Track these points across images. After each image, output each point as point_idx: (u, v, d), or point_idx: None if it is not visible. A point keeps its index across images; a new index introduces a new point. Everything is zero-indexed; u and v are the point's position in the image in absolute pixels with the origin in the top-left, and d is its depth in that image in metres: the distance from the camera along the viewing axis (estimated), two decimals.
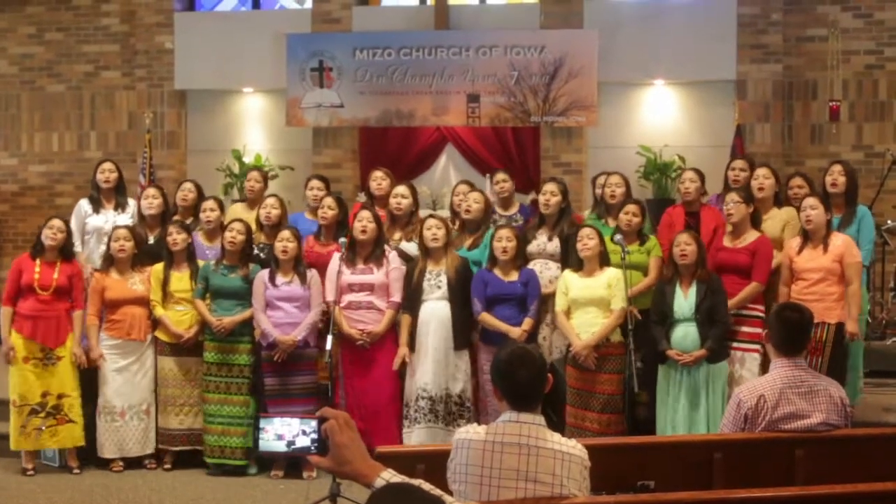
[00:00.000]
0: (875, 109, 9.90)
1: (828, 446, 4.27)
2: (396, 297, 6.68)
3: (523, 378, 3.43)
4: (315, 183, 7.59)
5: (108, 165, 7.71)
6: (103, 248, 7.13)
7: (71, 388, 6.85)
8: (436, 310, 6.57)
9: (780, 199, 6.94)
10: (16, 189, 11.22)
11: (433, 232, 6.60)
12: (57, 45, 11.11)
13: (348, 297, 6.64)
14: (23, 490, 6.54)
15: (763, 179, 6.81)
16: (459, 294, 6.57)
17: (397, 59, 10.01)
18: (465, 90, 9.90)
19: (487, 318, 6.49)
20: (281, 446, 2.65)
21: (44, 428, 6.77)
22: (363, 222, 6.68)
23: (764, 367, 6.10)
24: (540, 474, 3.38)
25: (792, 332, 4.38)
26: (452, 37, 10.02)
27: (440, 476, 3.41)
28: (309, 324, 6.69)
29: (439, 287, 6.59)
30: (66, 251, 6.93)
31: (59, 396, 6.80)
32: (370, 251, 6.69)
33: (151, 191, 7.62)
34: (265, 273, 6.75)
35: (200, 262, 6.99)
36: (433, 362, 6.51)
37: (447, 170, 10.43)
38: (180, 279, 6.94)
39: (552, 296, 6.55)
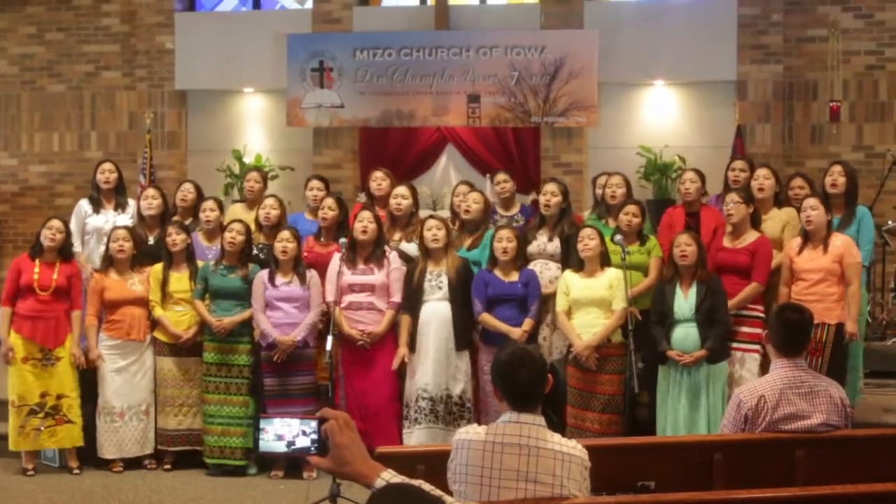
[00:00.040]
0: (875, 110, 9.90)
1: (828, 447, 4.27)
2: (397, 297, 6.68)
3: (523, 379, 3.42)
4: (315, 183, 7.59)
5: (107, 166, 7.71)
6: (103, 248, 7.13)
7: (70, 388, 6.85)
8: (437, 310, 6.57)
9: (781, 200, 6.94)
10: (16, 189, 11.22)
11: (434, 233, 6.59)
12: (57, 45, 11.11)
13: (349, 298, 6.64)
14: (23, 490, 6.54)
15: (763, 180, 6.82)
16: (460, 295, 6.57)
17: (398, 60, 10.01)
18: (465, 90, 9.90)
19: (488, 319, 6.49)
20: (281, 447, 2.66)
21: (42, 428, 6.78)
22: (364, 223, 6.68)
23: (764, 368, 6.10)
24: (540, 475, 3.37)
25: (792, 332, 4.38)
26: (453, 37, 10.02)
27: (440, 476, 3.41)
28: (308, 324, 6.69)
29: (440, 288, 6.59)
30: (64, 252, 6.93)
31: (58, 397, 6.81)
32: (371, 252, 6.69)
33: (151, 191, 7.62)
34: (264, 273, 6.75)
35: (200, 263, 6.99)
36: (434, 363, 6.51)
37: (447, 170, 10.42)
38: (179, 280, 6.94)
39: (552, 296, 6.55)
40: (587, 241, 6.34)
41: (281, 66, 10.20)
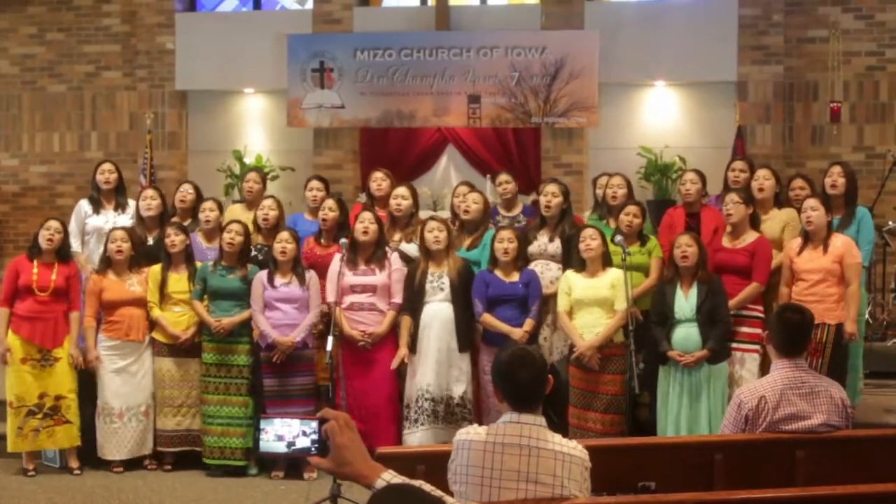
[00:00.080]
0: (876, 111, 9.90)
1: (829, 447, 4.27)
2: (398, 298, 6.68)
3: (524, 379, 3.42)
4: (315, 184, 7.59)
5: (107, 166, 7.70)
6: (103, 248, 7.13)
7: (68, 389, 6.85)
8: (438, 311, 6.57)
9: (781, 200, 6.95)
10: (17, 189, 11.22)
11: (435, 235, 6.59)
12: (58, 45, 11.12)
13: (350, 299, 6.64)
14: (24, 491, 6.54)
15: (763, 180, 6.82)
16: (462, 296, 6.57)
17: (398, 60, 10.01)
18: (465, 91, 9.90)
19: (488, 319, 6.49)
20: (281, 447, 2.65)
21: (41, 429, 6.77)
22: (365, 223, 6.68)
23: (763, 368, 6.11)
24: (541, 475, 3.37)
25: (793, 333, 4.38)
26: (453, 38, 10.02)
27: (441, 477, 3.41)
28: (308, 325, 6.69)
29: (442, 289, 6.59)
30: (63, 252, 6.92)
31: (57, 398, 6.80)
32: (372, 252, 6.69)
33: (150, 192, 7.62)
34: (263, 274, 6.75)
35: (199, 264, 6.99)
36: (435, 363, 6.51)
37: (448, 171, 10.43)
38: (178, 280, 6.94)
39: (553, 297, 6.55)
40: (589, 242, 6.34)
41: (281, 67, 10.21)
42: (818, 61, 9.86)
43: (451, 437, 3.62)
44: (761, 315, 6.40)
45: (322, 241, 7.08)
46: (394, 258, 6.76)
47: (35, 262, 6.85)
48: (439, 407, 6.49)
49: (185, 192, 7.59)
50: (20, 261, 6.96)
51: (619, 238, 6.44)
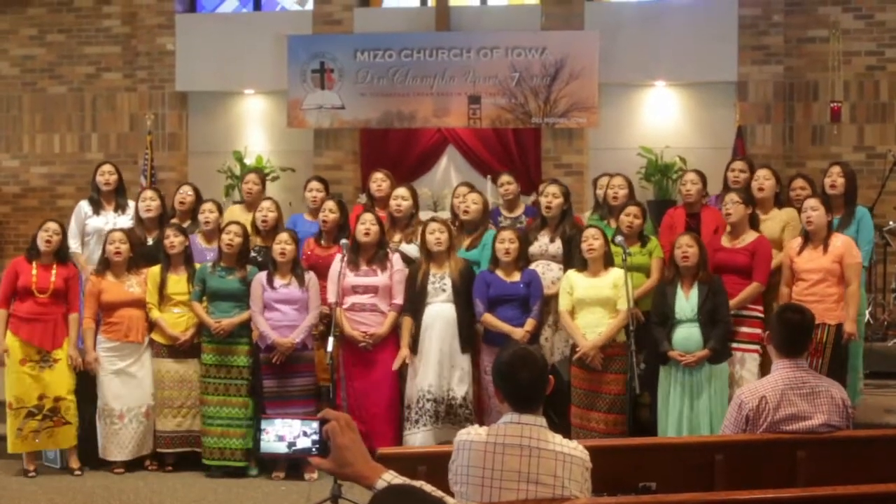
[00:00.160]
0: (876, 110, 9.90)
1: (829, 448, 4.27)
2: (399, 299, 6.68)
3: (525, 379, 3.42)
4: (314, 185, 7.59)
5: (107, 168, 7.70)
6: None
7: (67, 390, 6.84)
8: (440, 312, 6.57)
9: (781, 200, 6.95)
10: (17, 191, 11.23)
11: (436, 236, 6.59)
12: (58, 46, 11.12)
13: (351, 300, 6.64)
14: (24, 492, 6.54)
15: (763, 180, 6.82)
16: (464, 297, 6.57)
17: (398, 61, 10.01)
18: (466, 92, 9.91)
19: (489, 319, 6.49)
20: (282, 448, 2.66)
21: (41, 430, 6.77)
22: (366, 225, 6.68)
23: (763, 368, 6.11)
24: (541, 476, 3.37)
25: (793, 333, 4.38)
26: (453, 38, 10.03)
27: (441, 477, 3.41)
28: (307, 326, 6.69)
29: (443, 290, 6.59)
30: (61, 254, 6.92)
31: (56, 399, 6.79)
32: (373, 253, 6.69)
33: (149, 193, 7.61)
34: (263, 275, 6.75)
35: (198, 265, 6.99)
36: (437, 364, 6.51)
37: (448, 171, 10.43)
38: (177, 282, 6.94)
39: (554, 297, 6.55)
40: (591, 242, 6.34)
41: (282, 68, 10.21)
42: (818, 61, 9.86)
43: (452, 438, 3.62)
44: (761, 315, 6.40)
45: (322, 242, 7.08)
46: (395, 259, 6.76)
47: (34, 264, 6.85)
48: (440, 407, 6.49)
49: (185, 194, 7.59)
50: (19, 262, 6.96)
51: (619, 238, 6.44)
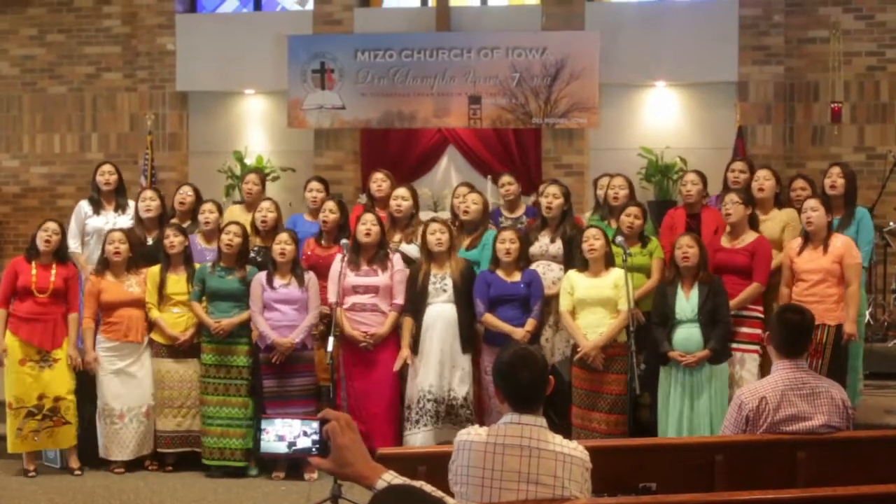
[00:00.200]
0: (877, 111, 9.90)
1: (829, 448, 4.27)
2: (399, 299, 6.69)
3: (525, 380, 3.42)
4: (314, 185, 7.59)
5: (107, 168, 7.70)
6: None
7: (67, 390, 6.84)
8: (441, 313, 6.57)
9: (781, 201, 6.95)
10: (17, 191, 11.23)
11: (437, 237, 6.59)
12: (58, 46, 11.12)
13: (352, 300, 6.64)
14: (24, 491, 6.54)
15: (763, 181, 6.82)
16: (465, 297, 6.57)
17: (399, 61, 10.01)
18: (466, 92, 9.91)
19: (490, 319, 6.49)
20: (282, 447, 2.65)
21: (41, 430, 6.77)
22: (367, 225, 6.68)
23: (763, 368, 6.11)
24: (541, 476, 3.37)
25: (793, 333, 4.37)
26: (454, 38, 10.03)
27: (442, 478, 3.41)
28: (307, 326, 6.69)
29: (445, 290, 6.59)
30: (61, 254, 6.93)
31: (56, 399, 6.79)
32: (374, 254, 6.69)
33: (149, 193, 7.61)
34: (262, 275, 6.75)
35: (198, 265, 6.99)
36: (438, 364, 6.51)
37: (448, 171, 10.43)
38: (177, 282, 6.94)
39: (555, 298, 6.55)
40: (593, 242, 6.34)
41: (282, 68, 10.21)
42: (819, 62, 9.86)
43: (453, 438, 3.62)
44: (761, 315, 6.40)
45: (322, 242, 7.08)
46: (396, 259, 6.77)
47: (33, 264, 6.85)
48: (441, 408, 6.49)
49: (185, 195, 7.59)
50: (18, 262, 6.96)
51: (620, 239, 6.44)
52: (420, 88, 9.98)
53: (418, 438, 6.47)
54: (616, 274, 6.34)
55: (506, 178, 7.58)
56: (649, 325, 6.40)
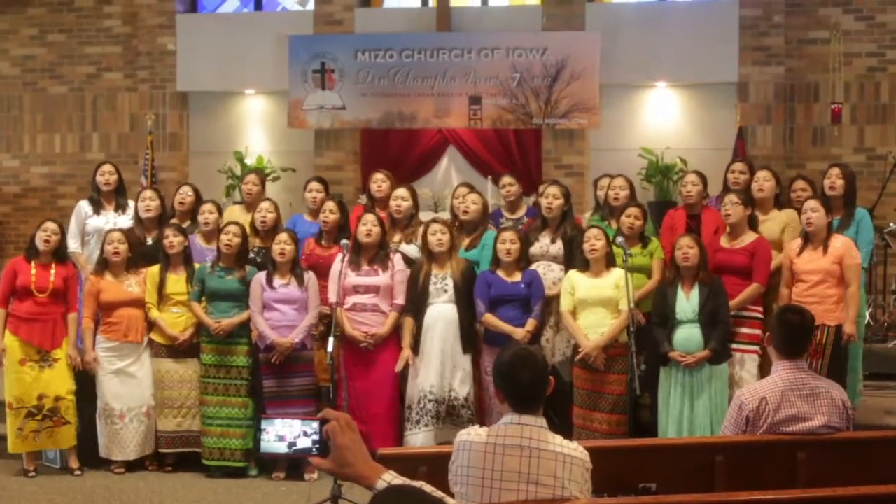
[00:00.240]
0: (877, 112, 9.90)
1: (829, 449, 4.27)
2: (400, 299, 6.69)
3: (525, 380, 3.42)
4: (314, 185, 7.59)
5: (107, 168, 7.70)
6: None
7: (67, 390, 6.84)
8: (442, 313, 6.57)
9: (781, 201, 6.95)
10: (18, 190, 11.23)
11: (438, 237, 6.60)
12: (59, 46, 11.13)
13: (353, 300, 6.64)
14: (24, 492, 6.54)
15: (763, 181, 6.82)
16: (466, 297, 6.57)
17: (399, 61, 10.01)
18: (466, 92, 9.91)
19: (490, 320, 6.49)
20: (282, 448, 2.65)
21: (41, 430, 6.77)
22: (368, 225, 6.68)
23: (763, 369, 6.11)
24: (541, 476, 3.37)
25: (793, 334, 4.38)
26: (454, 39, 10.03)
27: (442, 478, 3.41)
28: (306, 326, 6.69)
29: (445, 291, 6.59)
30: (60, 254, 6.93)
31: (56, 399, 6.79)
32: (375, 254, 6.70)
33: (148, 193, 7.61)
34: (262, 275, 6.75)
35: (197, 265, 6.99)
36: (439, 365, 6.51)
37: (449, 172, 10.43)
38: (177, 282, 6.94)
39: (556, 298, 6.55)
40: (594, 242, 6.35)
41: (282, 68, 10.22)
42: (819, 62, 9.86)
43: (453, 438, 3.62)
44: (761, 316, 6.40)
45: (323, 242, 7.09)
46: (396, 259, 6.77)
47: (33, 264, 6.85)
48: (441, 408, 6.49)
49: (185, 195, 7.59)
50: (18, 262, 6.96)
51: (620, 239, 6.44)
52: (420, 89, 9.98)
53: (419, 439, 6.47)
54: (617, 274, 6.34)
55: (507, 179, 7.59)
56: (649, 325, 6.40)
